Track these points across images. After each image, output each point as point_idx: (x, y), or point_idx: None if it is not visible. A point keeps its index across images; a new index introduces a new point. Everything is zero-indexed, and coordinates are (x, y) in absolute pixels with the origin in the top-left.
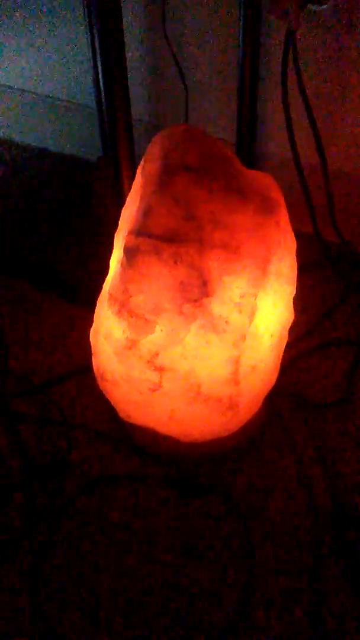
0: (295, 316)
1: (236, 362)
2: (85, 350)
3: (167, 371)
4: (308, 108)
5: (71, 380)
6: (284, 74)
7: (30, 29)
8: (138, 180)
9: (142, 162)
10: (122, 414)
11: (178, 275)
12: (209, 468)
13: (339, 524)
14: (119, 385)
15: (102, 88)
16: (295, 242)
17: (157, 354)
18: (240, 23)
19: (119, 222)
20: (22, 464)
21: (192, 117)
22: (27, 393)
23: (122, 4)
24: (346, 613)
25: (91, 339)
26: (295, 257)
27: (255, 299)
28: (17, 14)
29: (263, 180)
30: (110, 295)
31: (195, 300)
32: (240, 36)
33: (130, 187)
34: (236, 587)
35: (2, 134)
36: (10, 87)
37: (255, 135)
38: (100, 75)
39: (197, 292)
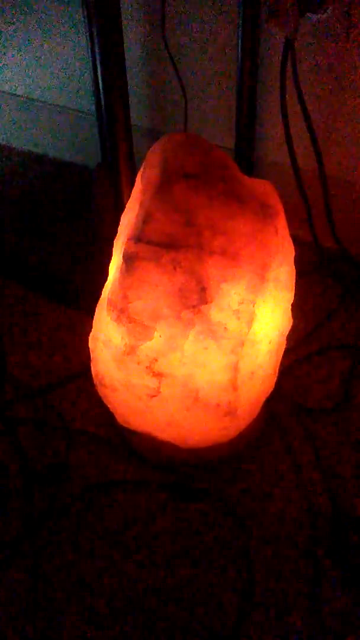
0: (294, 322)
1: (235, 368)
2: (84, 356)
3: (166, 377)
4: (306, 115)
5: (70, 385)
6: (283, 81)
7: (30, 35)
8: (137, 186)
9: (141, 169)
10: (120, 420)
11: (177, 282)
12: (207, 473)
13: (337, 527)
14: (117, 391)
15: (101, 94)
16: (293, 248)
17: (155, 360)
18: (240, 30)
19: (118, 228)
20: (20, 468)
21: (191, 124)
22: (26, 397)
23: (121, 11)
24: (345, 616)
25: (90, 345)
26: (293, 263)
27: (253, 306)
28: (17, 21)
29: (262, 187)
30: (109, 301)
31: (194, 307)
32: (240, 43)
33: (129, 194)
34: (235, 590)
35: (1, 140)
36: (9, 93)
37: (254, 142)
38: (99, 82)
39: (196, 299)
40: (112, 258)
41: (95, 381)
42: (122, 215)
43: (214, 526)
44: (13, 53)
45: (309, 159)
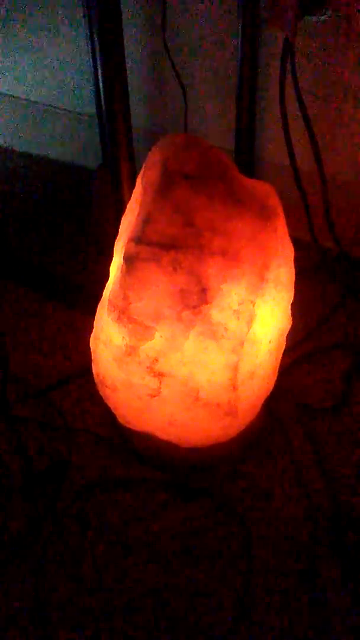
0: (293, 322)
1: (235, 368)
2: (85, 355)
3: (167, 377)
4: (306, 116)
5: (71, 385)
6: (282, 82)
7: (31, 37)
8: (138, 188)
9: (142, 170)
10: (121, 420)
11: (177, 282)
12: (208, 472)
13: (337, 526)
14: (118, 391)
15: (102, 96)
16: (293, 249)
17: (156, 360)
18: (239, 31)
19: (119, 229)
20: (22, 468)
21: (191, 125)
22: (28, 397)
23: (122, 13)
24: (345, 614)
25: (91, 345)
26: (293, 263)
27: (253, 306)
28: (18, 23)
29: (261, 188)
30: (110, 301)
31: (195, 307)
32: (239, 44)
33: (130, 195)
34: (235, 588)
35: (2, 142)
36: (10, 95)
37: (253, 143)
38: (100, 84)
39: (196, 299)
40: (113, 259)
41: (96, 381)
42: (123, 217)
43: (214, 525)
44: (14, 55)
45: (309, 158)
